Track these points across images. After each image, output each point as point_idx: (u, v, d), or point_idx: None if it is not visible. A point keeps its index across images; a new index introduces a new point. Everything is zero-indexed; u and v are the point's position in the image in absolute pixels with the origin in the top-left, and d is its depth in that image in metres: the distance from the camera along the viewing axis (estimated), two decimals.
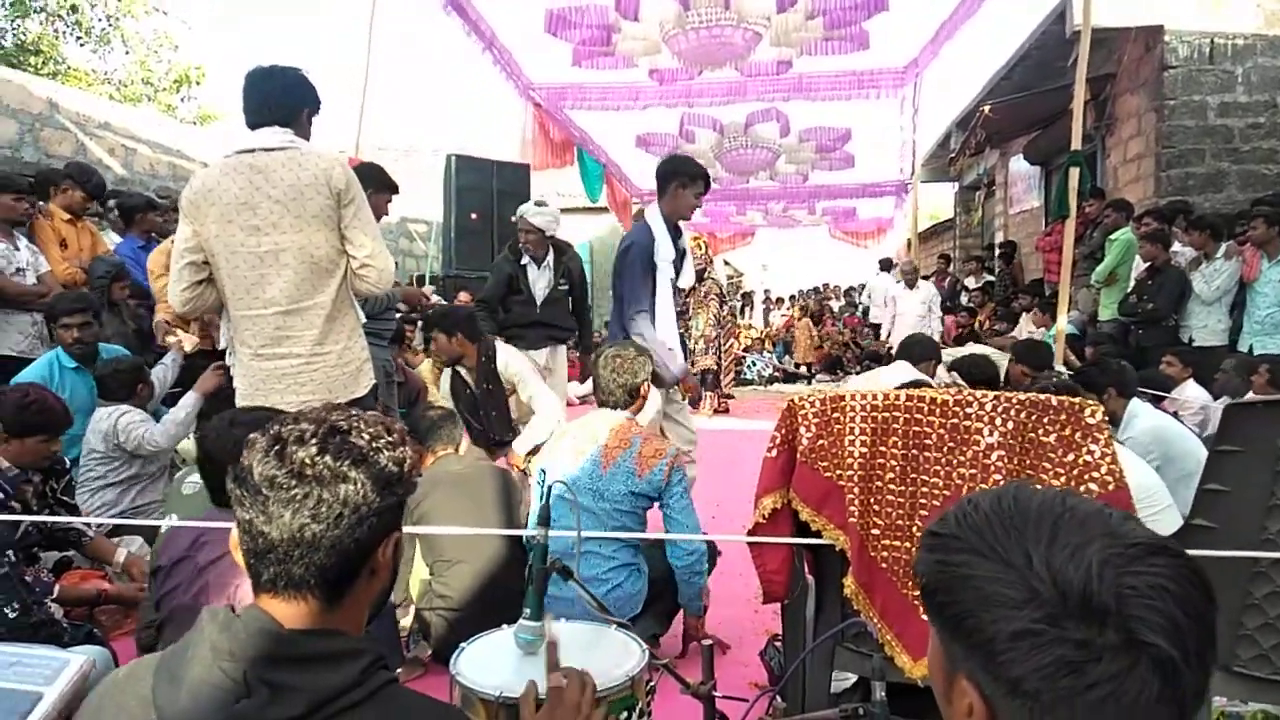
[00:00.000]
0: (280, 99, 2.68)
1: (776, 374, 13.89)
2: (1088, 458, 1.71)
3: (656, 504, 2.92)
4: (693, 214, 4.29)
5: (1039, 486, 0.79)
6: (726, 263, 22.55)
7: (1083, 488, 1.70)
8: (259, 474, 1.05)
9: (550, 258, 5.06)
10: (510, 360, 4.22)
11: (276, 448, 1.06)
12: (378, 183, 4.01)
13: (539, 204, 5.05)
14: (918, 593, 1.81)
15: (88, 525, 3.46)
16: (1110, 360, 4.42)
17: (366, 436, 1.09)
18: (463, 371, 4.29)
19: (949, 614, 0.74)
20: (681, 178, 4.04)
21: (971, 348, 7.26)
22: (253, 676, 1.00)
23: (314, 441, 1.06)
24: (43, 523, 3.21)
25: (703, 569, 2.93)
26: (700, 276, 9.74)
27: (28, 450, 3.11)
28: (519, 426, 4.27)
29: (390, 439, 1.11)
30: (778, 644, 2.77)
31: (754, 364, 13.93)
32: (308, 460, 1.04)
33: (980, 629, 0.70)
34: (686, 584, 2.92)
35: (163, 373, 4.46)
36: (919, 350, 4.58)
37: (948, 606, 0.74)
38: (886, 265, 13.79)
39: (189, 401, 4.01)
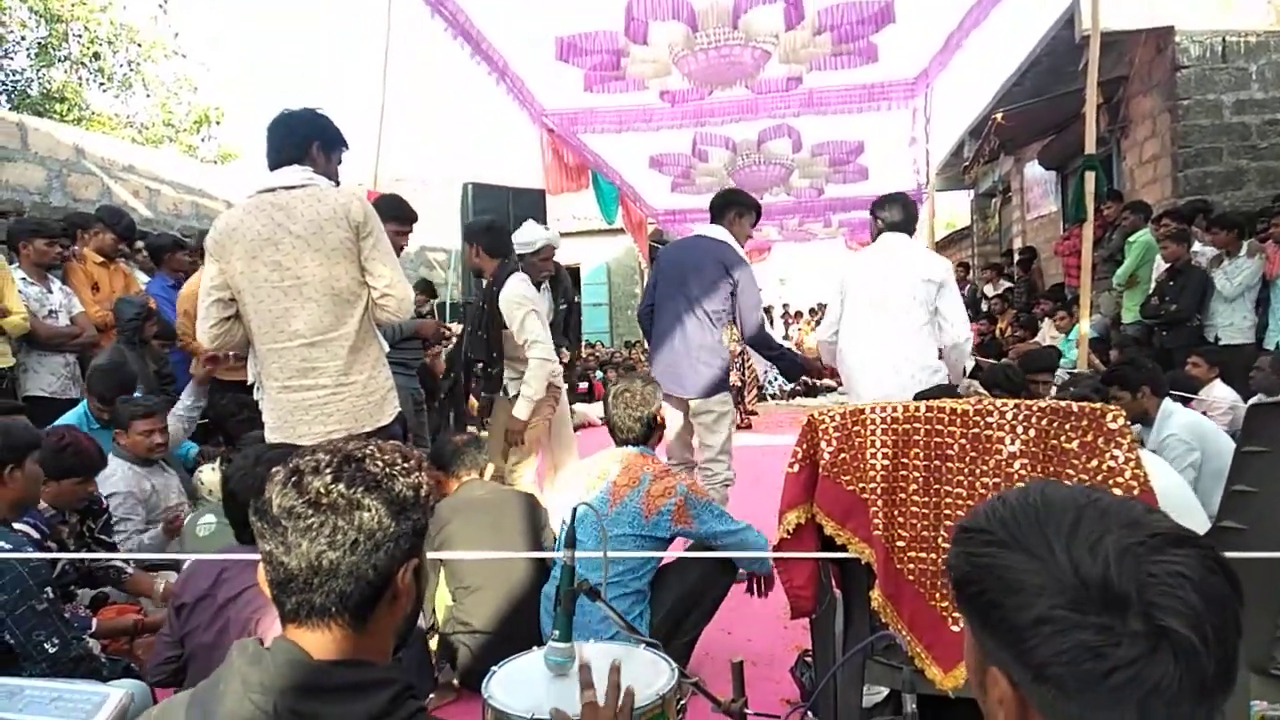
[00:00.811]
0: (288, 137, 2.79)
1: (798, 388, 13.85)
2: (1111, 463, 1.71)
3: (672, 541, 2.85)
4: (745, 244, 4.54)
5: (1068, 484, 0.81)
6: None
7: None
8: (278, 505, 1.07)
9: (546, 281, 5.10)
10: (512, 298, 4.07)
11: (294, 479, 1.08)
12: (393, 215, 4.05)
13: (544, 227, 5.01)
14: (946, 604, 1.82)
15: (126, 562, 3.52)
16: (1144, 359, 4.39)
17: (381, 463, 1.11)
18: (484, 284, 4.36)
19: (977, 604, 0.77)
20: (739, 207, 4.37)
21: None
22: (283, 708, 1.01)
23: (329, 471, 1.08)
24: (79, 561, 3.27)
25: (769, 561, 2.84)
26: None
27: (64, 492, 3.19)
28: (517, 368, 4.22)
29: (405, 465, 1.13)
30: (808, 659, 2.76)
31: (775, 379, 13.90)
32: (323, 489, 1.06)
33: (1005, 617, 0.73)
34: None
35: (175, 425, 4.24)
36: (906, 218, 4.25)
37: (976, 597, 0.77)
38: None
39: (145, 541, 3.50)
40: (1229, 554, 1.88)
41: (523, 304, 4.08)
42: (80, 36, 16.84)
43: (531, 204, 8.80)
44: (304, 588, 1.06)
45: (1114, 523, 0.73)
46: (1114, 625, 0.67)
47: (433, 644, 3.21)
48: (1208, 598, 0.68)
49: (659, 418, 3.05)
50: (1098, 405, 1.77)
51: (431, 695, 2.89)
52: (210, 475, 4.28)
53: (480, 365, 4.30)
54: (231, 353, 3.47)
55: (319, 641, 1.07)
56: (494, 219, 4.65)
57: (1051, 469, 1.77)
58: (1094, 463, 1.73)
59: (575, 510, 1.91)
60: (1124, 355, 6.09)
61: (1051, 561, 0.71)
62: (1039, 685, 0.71)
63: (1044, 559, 0.72)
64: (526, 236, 4.84)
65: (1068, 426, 1.75)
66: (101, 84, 17.51)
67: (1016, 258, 12.28)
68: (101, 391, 4.19)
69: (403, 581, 1.11)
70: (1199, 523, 2.58)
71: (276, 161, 2.76)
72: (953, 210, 21.07)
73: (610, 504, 2.78)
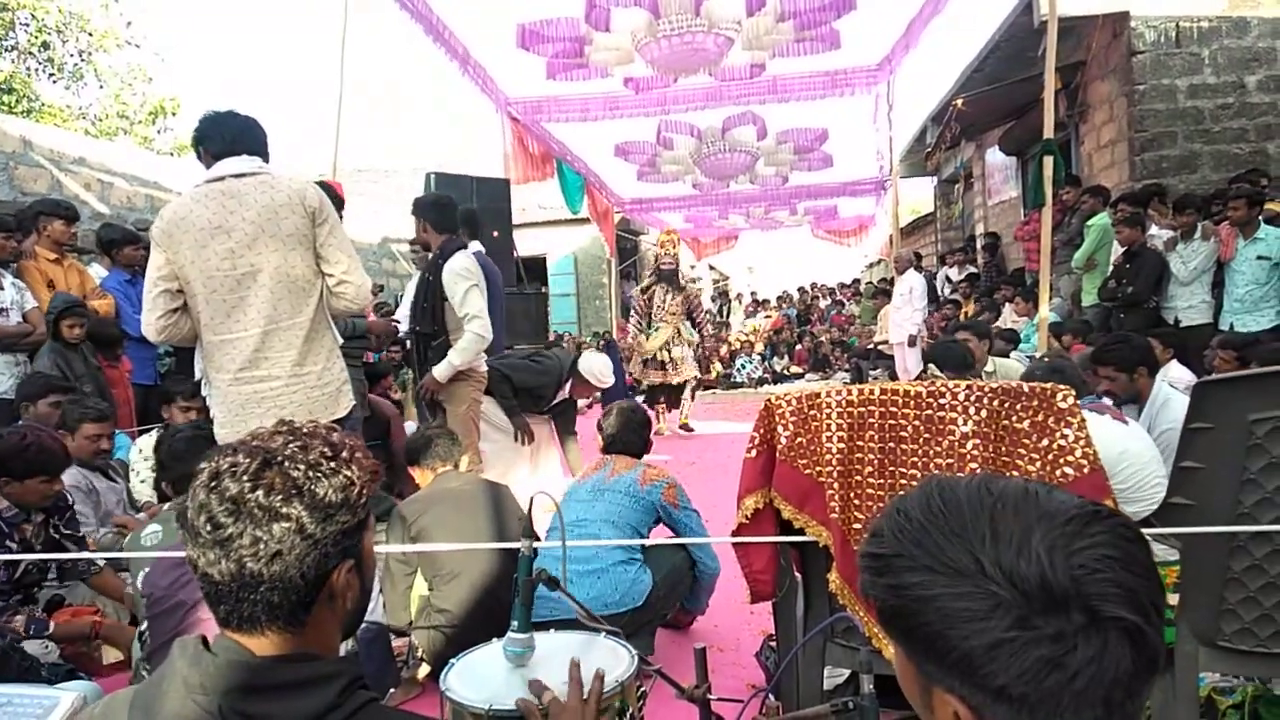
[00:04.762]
0: (257, 132, 2.77)
1: (766, 376, 13.94)
2: (1061, 442, 1.73)
3: (663, 524, 3.17)
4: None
5: (962, 475, 0.78)
6: (712, 267, 22.60)
7: (1058, 471, 1.72)
8: (194, 512, 1.02)
9: None
10: (457, 271, 4.10)
11: (212, 483, 1.02)
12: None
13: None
14: None
15: (92, 560, 3.44)
16: (1136, 336, 4.11)
17: (303, 466, 1.04)
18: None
19: (917, 635, 0.73)
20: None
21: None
22: (227, 708, 0.99)
23: (246, 477, 1.02)
24: (43, 561, 3.19)
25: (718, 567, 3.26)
26: (671, 280, 8.54)
27: (29, 491, 3.11)
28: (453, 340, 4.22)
29: (331, 465, 1.06)
30: (773, 644, 2.78)
31: (743, 366, 13.97)
32: (239, 496, 1.01)
33: (954, 646, 0.70)
34: (706, 586, 3.25)
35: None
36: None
37: (914, 629, 0.73)
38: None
39: None
40: (1178, 530, 1.91)
41: (467, 277, 4.10)
42: (28, 25, 16.33)
43: (496, 193, 8.70)
44: (231, 597, 1.02)
45: (1030, 517, 0.70)
46: (1064, 629, 0.65)
47: (406, 640, 3.20)
48: (1135, 571, 0.68)
49: (651, 439, 3.45)
50: (1048, 385, 1.79)
51: (393, 690, 2.87)
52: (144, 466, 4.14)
53: (424, 336, 4.33)
54: None
55: (257, 643, 1.04)
56: (443, 195, 4.66)
57: (1003, 449, 1.79)
58: (1045, 442, 1.75)
59: (532, 500, 1.91)
60: (1061, 347, 6.09)
61: (983, 578, 0.68)
62: (1000, 705, 0.69)
63: (974, 576, 0.69)
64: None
65: (1019, 407, 1.78)
66: (51, 74, 17.02)
67: (981, 243, 12.43)
68: (84, 415, 3.96)
69: (338, 582, 1.07)
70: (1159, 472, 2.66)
71: (228, 150, 2.70)
72: (916, 197, 21.27)
73: (608, 476, 3.16)
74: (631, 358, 8.58)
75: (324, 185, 4.19)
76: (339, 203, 4.19)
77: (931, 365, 4.15)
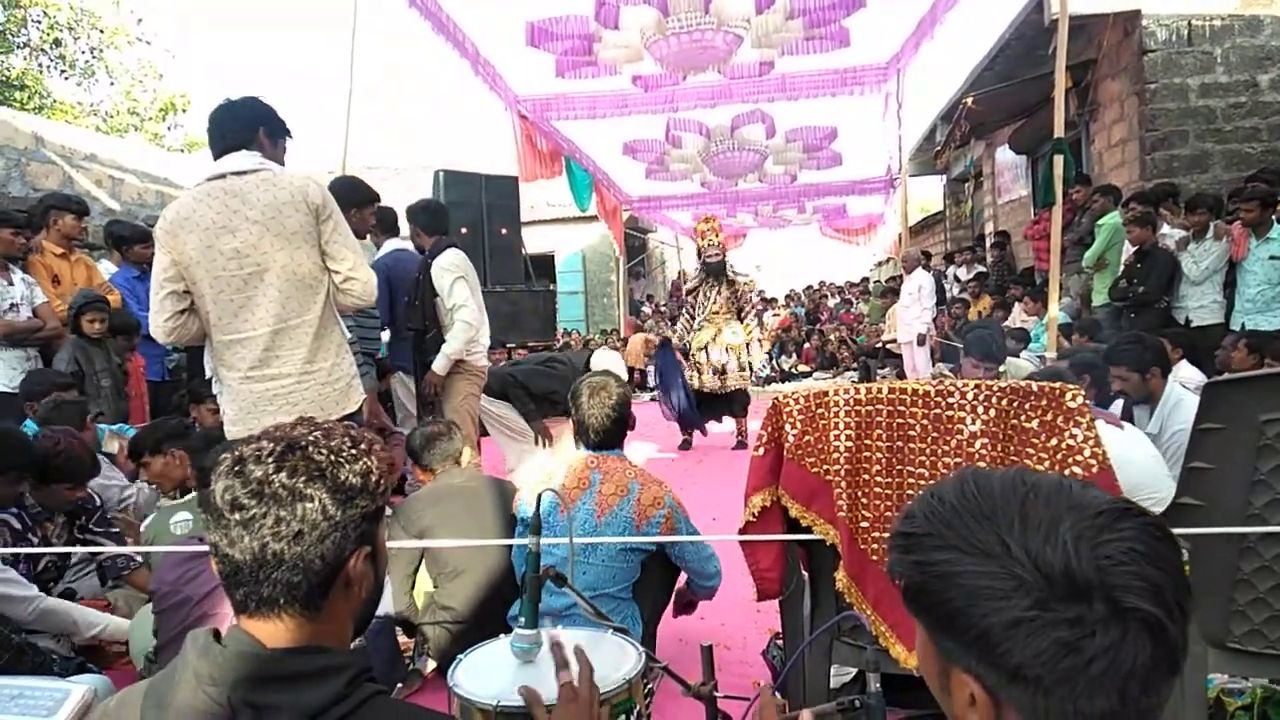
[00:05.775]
0: (233, 124, 2.72)
1: (774, 374, 13.93)
2: (1070, 441, 1.73)
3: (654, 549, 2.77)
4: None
5: (1001, 469, 0.80)
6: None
7: (1067, 471, 1.71)
8: (219, 496, 1.05)
9: None
10: (444, 266, 4.28)
11: (236, 468, 1.06)
12: (353, 200, 3.97)
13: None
14: None
15: (131, 557, 3.46)
16: (1149, 336, 4.07)
17: (326, 450, 1.08)
18: None
19: (939, 613, 0.75)
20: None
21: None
22: (236, 699, 1.00)
23: (271, 460, 1.05)
24: (65, 555, 3.23)
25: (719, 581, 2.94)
26: (718, 274, 7.53)
27: (52, 495, 3.16)
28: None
29: (353, 451, 1.10)
30: (779, 642, 2.78)
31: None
32: (264, 478, 1.04)
33: (973, 624, 0.71)
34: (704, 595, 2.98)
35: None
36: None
37: (936, 606, 0.75)
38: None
39: (94, 622, 3.04)
40: (1187, 530, 1.90)
41: (453, 271, 4.27)
42: (39, 22, 16.48)
43: (505, 191, 8.74)
44: (251, 579, 1.04)
45: (1060, 507, 0.72)
46: (1084, 615, 0.66)
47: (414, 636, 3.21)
48: (1162, 567, 0.69)
49: (632, 418, 2.93)
50: (1057, 384, 1.78)
51: (400, 685, 2.89)
52: None
53: (418, 333, 4.49)
54: None
55: (271, 630, 1.06)
56: (433, 201, 4.95)
57: (1012, 449, 1.78)
58: (1053, 441, 1.75)
59: (540, 497, 1.91)
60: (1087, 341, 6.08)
61: (1009, 560, 0.70)
62: (1015, 686, 0.70)
63: (1000, 558, 0.71)
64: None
65: (1027, 406, 1.77)
66: (63, 71, 17.15)
67: (990, 241, 12.38)
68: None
69: (354, 569, 1.09)
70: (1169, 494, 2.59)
71: (222, 148, 2.69)
72: (926, 195, 21.21)
73: (598, 514, 2.63)
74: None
75: (353, 180, 4.29)
76: (374, 198, 4.28)
77: (944, 366, 4.13)
